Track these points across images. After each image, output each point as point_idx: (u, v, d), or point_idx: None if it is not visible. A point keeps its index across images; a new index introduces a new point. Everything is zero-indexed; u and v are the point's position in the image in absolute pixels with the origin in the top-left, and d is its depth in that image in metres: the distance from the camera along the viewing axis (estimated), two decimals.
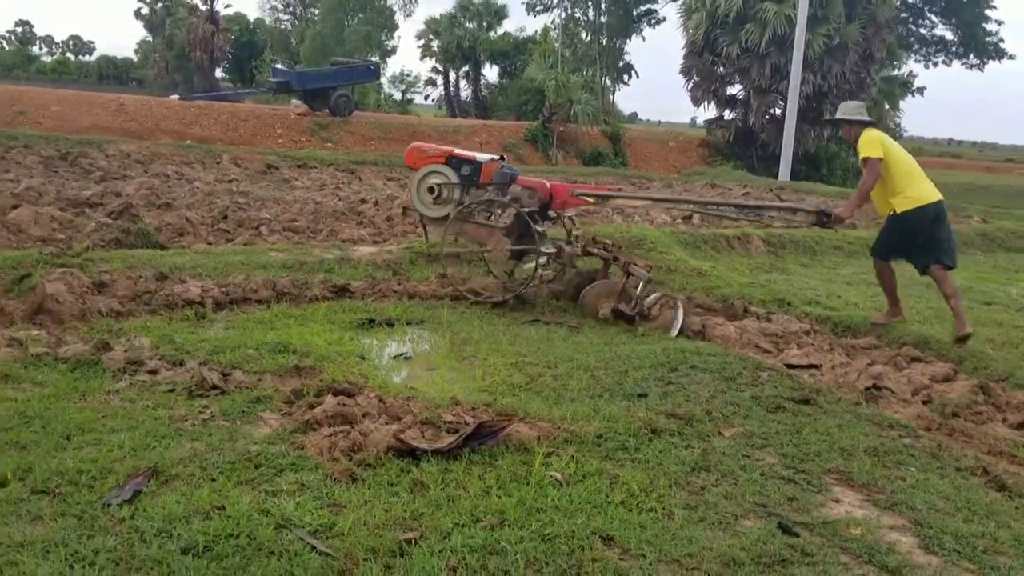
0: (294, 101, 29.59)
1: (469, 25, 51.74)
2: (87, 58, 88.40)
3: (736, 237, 10.86)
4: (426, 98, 58.69)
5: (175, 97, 27.93)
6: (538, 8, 40.35)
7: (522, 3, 40.40)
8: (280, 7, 70.76)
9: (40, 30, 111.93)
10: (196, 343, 5.35)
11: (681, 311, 6.63)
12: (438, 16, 53.01)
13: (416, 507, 3.29)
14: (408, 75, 59.42)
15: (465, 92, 54.22)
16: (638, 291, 6.78)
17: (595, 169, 23.39)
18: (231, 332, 5.70)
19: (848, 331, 6.73)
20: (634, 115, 71.02)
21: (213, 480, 3.40)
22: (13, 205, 8.96)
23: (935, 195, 6.52)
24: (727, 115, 32.03)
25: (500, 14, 51.88)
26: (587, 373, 5.16)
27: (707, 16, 29.00)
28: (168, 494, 3.24)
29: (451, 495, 3.40)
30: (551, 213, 7.42)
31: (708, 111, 33.02)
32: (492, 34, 51.63)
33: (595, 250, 7.23)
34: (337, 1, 59.62)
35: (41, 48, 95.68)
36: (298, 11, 71.47)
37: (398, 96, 60.94)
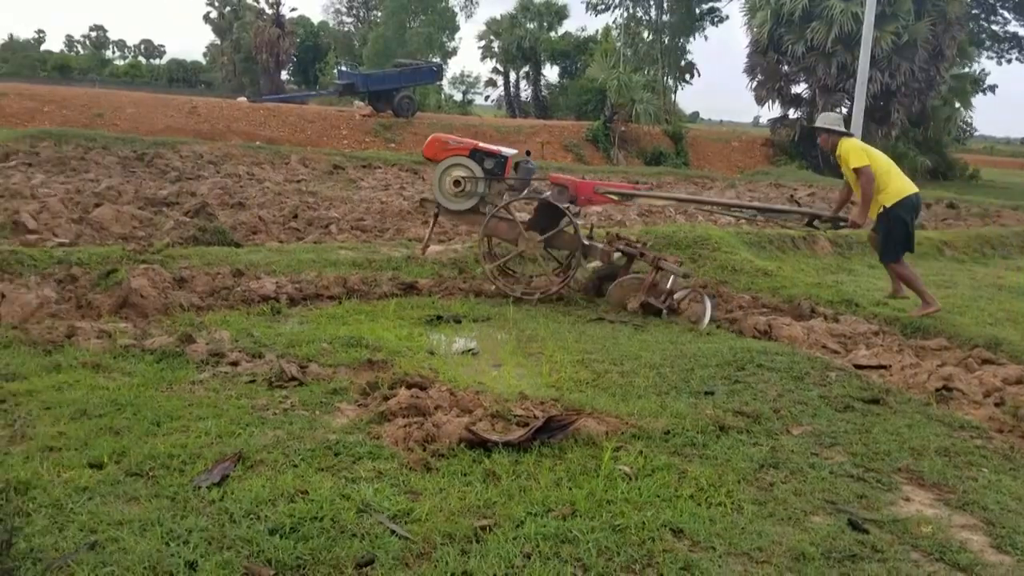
0: (357, 103, 30.06)
1: (530, 26, 51.90)
2: (158, 61, 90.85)
3: (802, 238, 10.75)
4: (486, 99, 59.06)
5: (243, 99, 28.60)
6: (600, 8, 40.19)
7: (583, 3, 40.20)
8: (344, 10, 71.86)
9: (113, 35, 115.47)
10: (273, 337, 5.54)
11: (709, 304, 6.76)
12: (499, 17, 53.31)
13: (489, 496, 3.39)
14: (468, 76, 59.78)
15: (525, 92, 54.39)
16: (668, 285, 7.01)
17: (656, 169, 23.30)
18: (305, 327, 5.88)
19: (918, 332, 6.64)
20: (695, 115, 70.38)
21: (295, 466, 3.55)
22: (95, 204, 9.34)
23: (913, 187, 7.25)
24: (792, 114, 31.57)
25: (561, 14, 51.94)
26: (653, 371, 5.21)
27: (771, 14, 28.62)
28: (254, 478, 3.40)
29: (523, 486, 3.50)
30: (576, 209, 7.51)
31: (772, 110, 32.60)
32: (553, 34, 51.70)
33: (621, 247, 7.36)
34: (400, 3, 60.30)
35: (114, 52, 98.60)
36: (361, 14, 72.46)
37: (458, 97, 61.47)
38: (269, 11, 54.63)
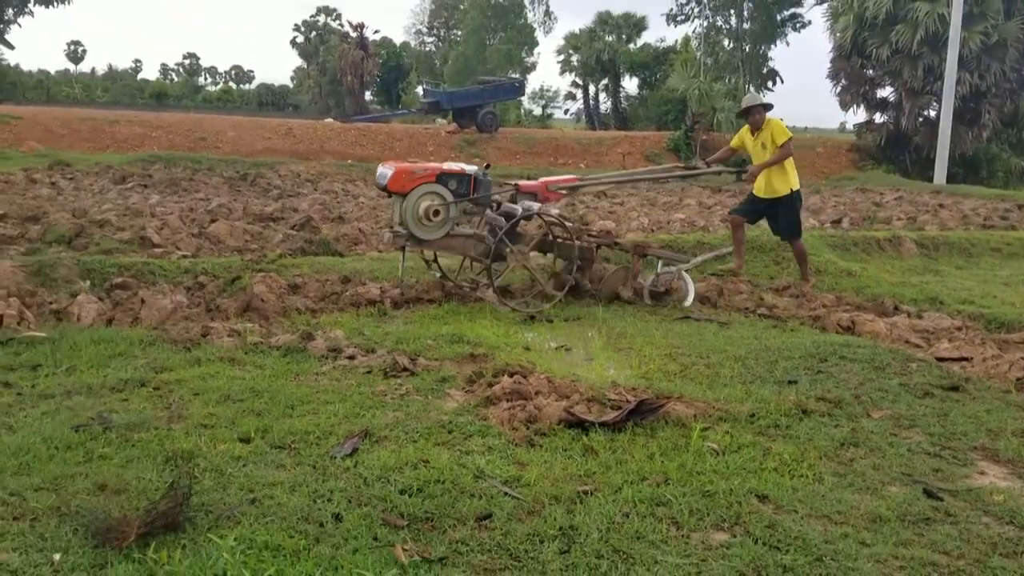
0: (439, 120, 30.88)
1: (608, 38, 52.23)
2: (247, 86, 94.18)
3: (887, 239, 10.82)
4: (566, 112, 59.53)
5: (330, 120, 29.70)
6: (679, 18, 40.33)
7: (662, 15, 40.57)
8: (424, 30, 73.42)
9: (205, 61, 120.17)
10: (381, 335, 6.04)
11: (690, 280, 7.51)
12: (577, 31, 53.80)
13: (589, 467, 3.77)
14: (547, 90, 60.43)
15: (604, 105, 54.72)
16: (658, 270, 7.59)
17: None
18: (410, 326, 6.37)
19: (1002, 327, 6.75)
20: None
21: (415, 441, 3.99)
22: (211, 220, 10.10)
23: None
24: (878, 118, 31.05)
25: (640, 26, 52.11)
26: (738, 363, 5.51)
27: (855, 18, 28.29)
28: (381, 451, 3.85)
29: (619, 459, 3.87)
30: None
31: (857, 115, 32.15)
32: (632, 46, 51.91)
33: (591, 239, 7.75)
34: (480, 22, 61.37)
35: (206, 78, 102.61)
36: (442, 33, 73.88)
37: (538, 111, 62.12)
38: (353, 34, 56.37)
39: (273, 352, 5.48)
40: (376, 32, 61.10)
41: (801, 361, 5.54)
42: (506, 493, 3.46)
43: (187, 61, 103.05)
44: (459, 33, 68.90)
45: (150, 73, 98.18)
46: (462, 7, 68.81)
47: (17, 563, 2.76)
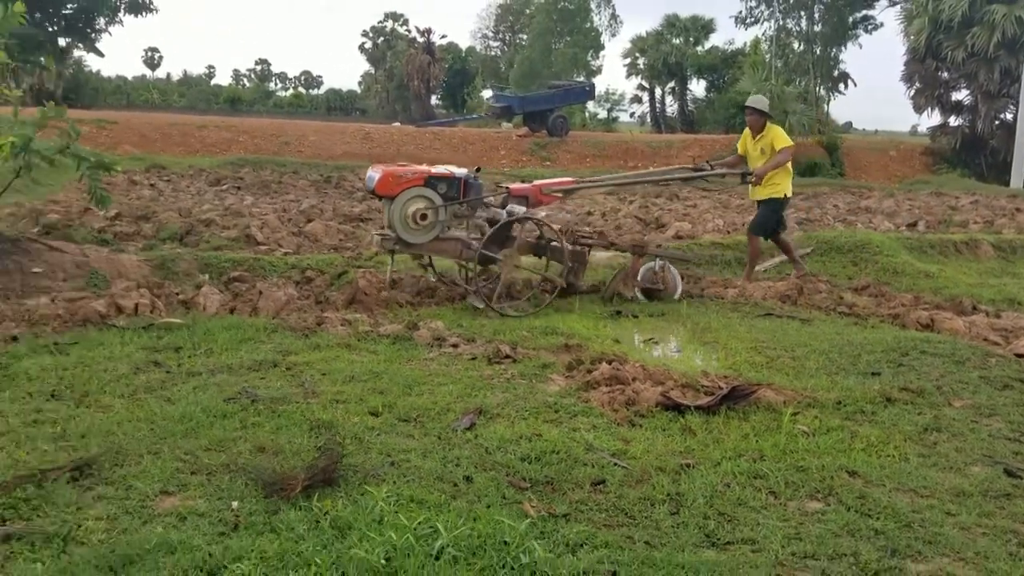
0: (505, 124, 31.33)
1: (676, 41, 52.18)
2: (316, 91, 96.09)
3: (964, 242, 10.87)
4: (631, 115, 59.54)
5: (396, 124, 30.40)
6: (748, 21, 40.04)
7: (730, 17, 40.23)
8: (490, 35, 74.11)
9: (276, 67, 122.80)
10: (478, 327, 6.46)
11: (676, 272, 7.88)
12: (644, 34, 53.85)
13: (688, 444, 4.12)
14: (613, 93, 60.48)
15: (671, 108, 54.64)
16: (656, 267, 7.79)
17: (811, 180, 23.23)
18: (505, 320, 6.78)
19: None
20: (848, 124, 68.38)
21: (525, 419, 4.39)
22: (307, 219, 10.68)
23: None
24: (952, 121, 30.52)
25: (708, 28, 51.96)
26: (822, 356, 5.78)
27: (929, 21, 27.89)
28: (496, 425, 4.26)
29: (715, 438, 4.20)
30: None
31: (931, 118, 31.62)
32: (699, 49, 51.77)
33: (584, 241, 7.84)
34: (546, 25, 61.72)
35: (276, 84, 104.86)
36: (507, 37, 74.47)
37: (603, 114, 62.26)
38: (420, 39, 57.32)
39: (383, 340, 5.93)
40: (443, 37, 62.00)
41: (883, 355, 5.79)
42: (615, 463, 3.83)
43: (259, 67, 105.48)
44: (525, 37, 69.36)
45: (223, 79, 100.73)
46: (528, 11, 69.32)
47: (203, 508, 3.23)
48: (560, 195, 8.17)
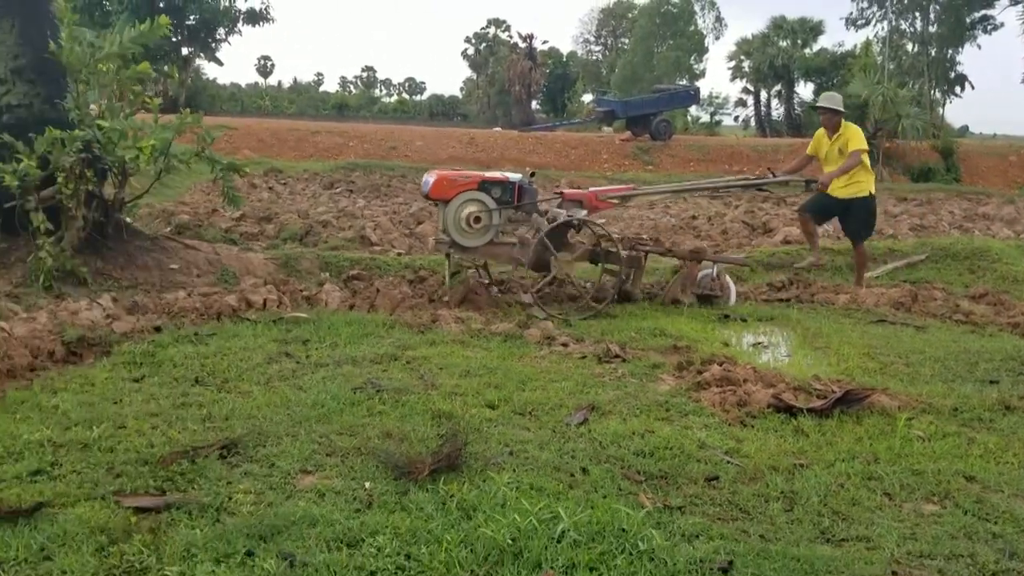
0: (606, 128, 31.33)
1: (782, 43, 51.12)
2: (419, 97, 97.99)
3: None
4: (735, 119, 58.58)
5: (497, 129, 30.78)
6: (859, 22, 39.02)
7: (840, 19, 39.34)
8: (592, 39, 74.08)
9: (381, 74, 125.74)
10: (586, 328, 6.60)
11: (731, 281, 7.84)
12: (750, 36, 52.96)
13: (801, 445, 4.15)
14: (716, 96, 59.65)
15: (776, 111, 53.53)
16: (713, 273, 7.73)
17: (925, 186, 22.52)
18: (613, 321, 6.89)
19: None
20: (964, 128, 65.54)
21: (637, 416, 4.50)
22: (417, 222, 11.03)
23: None
24: None
25: (816, 30, 50.72)
26: (938, 363, 5.69)
27: None
28: (609, 421, 4.38)
29: (828, 440, 4.23)
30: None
31: None
32: (807, 51, 50.58)
33: (642, 247, 7.82)
34: (648, 29, 61.37)
35: (381, 90, 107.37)
36: (609, 42, 74.30)
37: (706, 118, 61.48)
38: (522, 45, 57.83)
39: (495, 338, 6.14)
40: (544, 43, 62.29)
41: (1002, 363, 5.66)
42: (728, 461, 3.91)
43: (365, 74, 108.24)
44: (627, 41, 69.08)
45: (330, 86, 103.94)
46: (630, 15, 69.04)
47: (340, 487, 3.47)
48: (616, 201, 8.18)
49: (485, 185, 7.31)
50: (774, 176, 8.75)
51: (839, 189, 8.46)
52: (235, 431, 3.96)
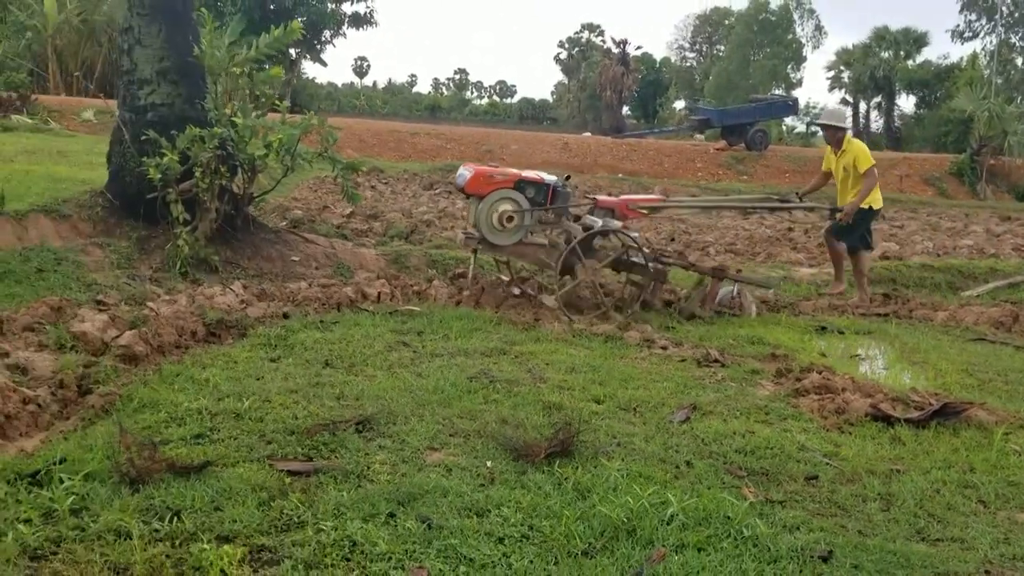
0: (697, 136, 31.21)
1: (884, 55, 49.99)
2: (509, 100, 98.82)
3: None
4: None
5: (587, 134, 30.98)
6: (966, 35, 37.91)
7: (946, 31, 38.32)
8: (687, 45, 73.56)
9: (472, 77, 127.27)
10: (685, 332, 6.84)
11: (750, 297, 7.81)
12: (851, 47, 51.90)
13: (897, 453, 4.31)
14: (813, 107, 58.55)
15: (876, 123, 52.34)
16: (733, 292, 7.77)
17: None
18: (711, 327, 7.10)
19: None
20: None
21: (737, 417, 4.72)
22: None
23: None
24: None
25: (920, 42, 49.46)
26: None
27: None
28: (710, 421, 4.62)
29: (925, 449, 4.37)
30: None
31: None
32: (910, 63, 49.34)
33: (666, 260, 7.83)
34: (745, 37, 60.65)
35: (472, 92, 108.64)
36: (704, 48, 73.63)
37: (801, 128, 60.41)
38: (615, 50, 57.83)
39: (596, 338, 6.42)
40: (638, 48, 62.13)
41: None
42: (827, 462, 4.11)
43: (457, 76, 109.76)
44: (722, 48, 68.36)
45: (423, 87, 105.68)
46: (727, 22, 68.32)
47: (464, 463, 3.80)
48: (645, 212, 8.11)
49: (521, 184, 7.32)
50: (800, 200, 8.74)
51: (846, 199, 8.48)
52: (367, 409, 4.35)
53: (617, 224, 7.53)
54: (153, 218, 7.58)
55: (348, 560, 2.89)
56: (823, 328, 7.31)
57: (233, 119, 7.54)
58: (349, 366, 5.19)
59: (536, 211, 7.34)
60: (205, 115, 7.71)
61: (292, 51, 32.86)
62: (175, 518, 3.08)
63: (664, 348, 6.28)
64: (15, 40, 32.33)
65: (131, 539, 2.90)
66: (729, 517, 3.34)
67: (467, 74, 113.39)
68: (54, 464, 3.39)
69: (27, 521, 2.97)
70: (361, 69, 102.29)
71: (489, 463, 3.83)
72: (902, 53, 49.43)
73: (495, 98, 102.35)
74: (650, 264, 7.51)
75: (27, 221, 7.21)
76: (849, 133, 8.78)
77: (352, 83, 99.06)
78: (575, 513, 3.30)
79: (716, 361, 5.87)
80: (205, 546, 2.88)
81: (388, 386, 4.80)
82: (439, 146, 22.59)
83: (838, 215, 8.51)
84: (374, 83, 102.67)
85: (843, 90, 52.89)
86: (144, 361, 5.06)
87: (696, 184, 20.26)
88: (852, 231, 8.55)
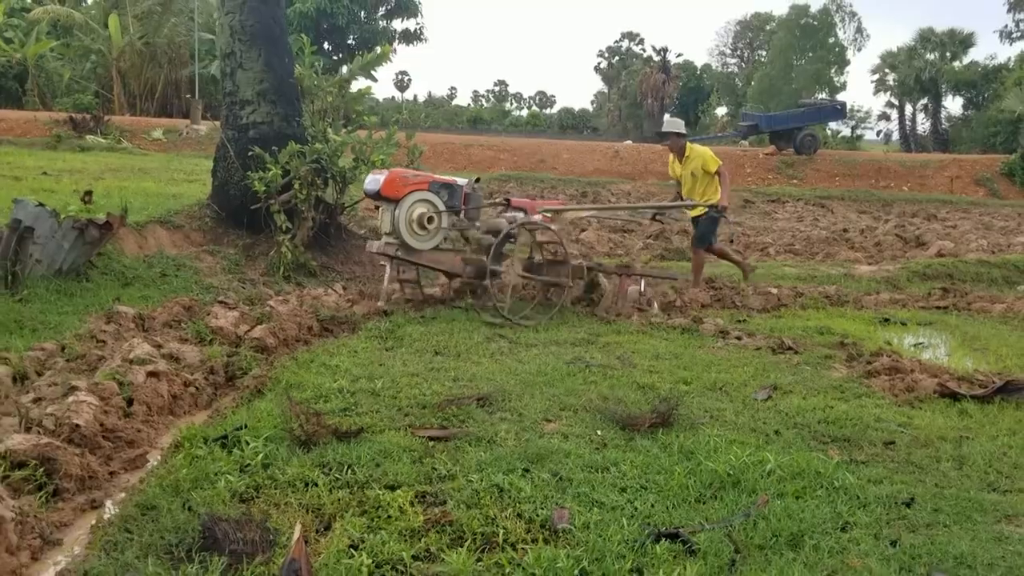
0: (743, 141, 31.40)
1: (930, 56, 49.61)
2: (549, 110, 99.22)
3: None
4: (877, 133, 57.06)
5: (628, 142, 31.33)
6: (1015, 35, 37.65)
7: (994, 32, 38.09)
8: (728, 52, 73.46)
9: (512, 88, 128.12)
10: (754, 325, 7.28)
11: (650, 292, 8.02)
12: (895, 49, 51.61)
13: (965, 423, 4.74)
14: (857, 110, 58.19)
15: (922, 125, 51.94)
16: (641, 288, 7.87)
17: None
18: (779, 320, 7.55)
19: None
20: None
21: (816, 395, 5.17)
22: (581, 229, 11.91)
23: None
24: None
25: (966, 43, 48.98)
26: None
27: None
28: (790, 399, 5.08)
29: (990, 420, 4.79)
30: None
31: None
32: (956, 64, 48.93)
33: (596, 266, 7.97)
34: (787, 42, 60.45)
35: (512, 103, 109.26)
36: (745, 54, 73.47)
37: (846, 132, 60.06)
38: (656, 57, 58.11)
39: (673, 330, 6.91)
40: (679, 56, 62.36)
41: None
42: (902, 430, 4.55)
43: (497, 88, 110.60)
44: (763, 54, 68.18)
45: (463, 99, 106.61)
46: (768, 27, 68.18)
47: (578, 432, 4.31)
48: (551, 215, 8.04)
49: (435, 187, 7.23)
50: (683, 200, 9.02)
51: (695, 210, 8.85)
52: (482, 388, 4.89)
53: (520, 216, 7.56)
54: (256, 227, 8.23)
55: (500, 500, 3.41)
56: (886, 320, 7.71)
57: (327, 135, 8.16)
58: (456, 354, 5.74)
59: (452, 212, 7.28)
60: (302, 132, 8.35)
61: (344, 68, 33.89)
62: (348, 470, 3.64)
63: (739, 339, 6.73)
64: (80, 63, 33.79)
65: (317, 486, 3.47)
66: (820, 472, 3.81)
67: (507, 85, 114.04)
68: (237, 430, 3.98)
69: (227, 473, 3.56)
70: (402, 83, 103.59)
71: (599, 432, 4.33)
72: (948, 54, 49.03)
73: (535, 108, 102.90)
74: (571, 258, 7.43)
75: (146, 231, 7.90)
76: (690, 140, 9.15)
77: (393, 97, 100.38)
78: (684, 469, 3.79)
79: (790, 348, 6.32)
80: (378, 491, 3.43)
81: (495, 370, 5.34)
82: (492, 157, 23.21)
83: (722, 212, 8.85)
84: (415, 96, 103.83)
85: (888, 92, 52.60)
86: (274, 352, 5.67)
87: (748, 189, 20.60)
88: (707, 235, 8.91)
